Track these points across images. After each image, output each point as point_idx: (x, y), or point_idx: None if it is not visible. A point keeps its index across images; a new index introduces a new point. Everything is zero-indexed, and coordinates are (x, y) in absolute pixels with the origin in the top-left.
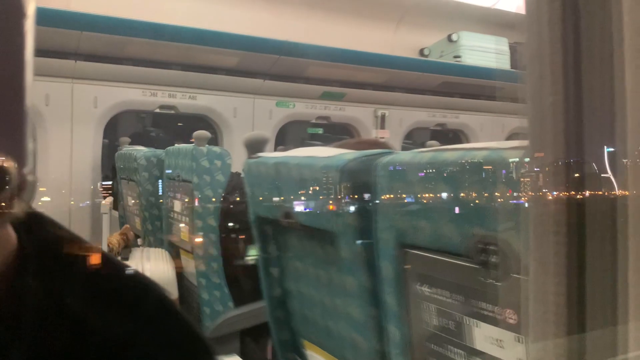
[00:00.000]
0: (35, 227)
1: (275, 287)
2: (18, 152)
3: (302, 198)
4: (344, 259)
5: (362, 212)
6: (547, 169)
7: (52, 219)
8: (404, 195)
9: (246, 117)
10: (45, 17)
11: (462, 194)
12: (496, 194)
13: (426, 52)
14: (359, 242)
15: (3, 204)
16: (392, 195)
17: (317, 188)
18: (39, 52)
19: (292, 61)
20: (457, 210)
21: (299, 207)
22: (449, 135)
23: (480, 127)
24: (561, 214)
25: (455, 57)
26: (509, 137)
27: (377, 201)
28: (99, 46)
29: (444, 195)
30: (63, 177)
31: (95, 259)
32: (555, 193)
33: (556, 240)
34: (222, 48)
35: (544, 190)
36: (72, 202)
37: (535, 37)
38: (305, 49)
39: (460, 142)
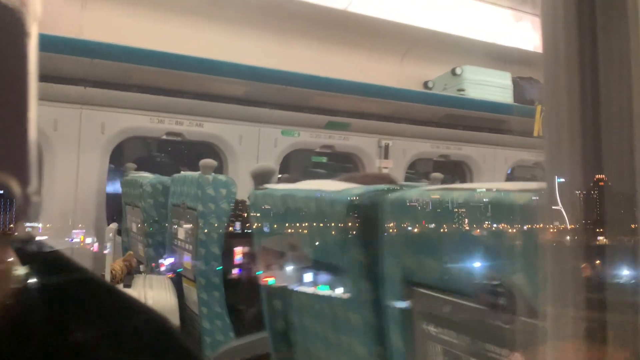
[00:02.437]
0: (37, 253)
1: (278, 320)
2: (22, 173)
3: (308, 231)
4: (349, 295)
5: (369, 247)
6: (565, 203)
7: (54, 248)
8: (411, 233)
9: (251, 145)
10: (57, 44)
11: (470, 234)
12: (504, 235)
13: (430, 84)
14: (365, 278)
15: (7, 224)
16: (399, 232)
17: (324, 222)
18: (50, 78)
19: (298, 91)
20: (464, 250)
21: (304, 240)
22: (452, 166)
23: (483, 159)
24: (581, 252)
25: (459, 90)
26: (512, 170)
27: (384, 237)
28: (108, 73)
29: (452, 234)
30: (68, 201)
31: (96, 288)
32: (573, 230)
33: (575, 281)
34: (230, 77)
35: (562, 228)
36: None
37: (553, 76)
38: (312, 80)
39: (463, 173)
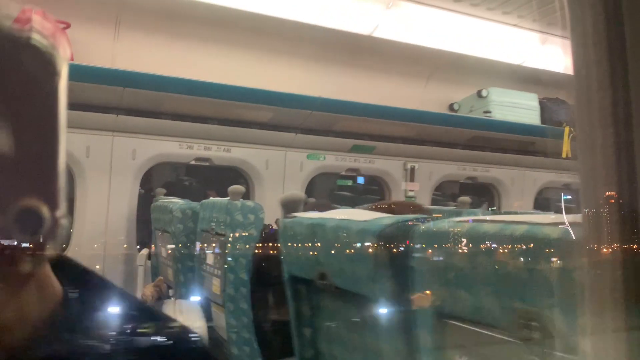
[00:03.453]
0: (73, 273)
1: (307, 348)
2: (51, 198)
3: (338, 261)
4: (379, 325)
5: (399, 278)
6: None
7: (89, 268)
8: (441, 264)
9: (278, 169)
10: (90, 74)
11: (502, 267)
12: (537, 268)
13: (456, 107)
14: (395, 308)
15: (36, 246)
16: (429, 264)
17: (353, 252)
18: (83, 107)
19: (323, 116)
20: (497, 283)
21: (334, 270)
22: (480, 189)
23: (511, 181)
24: (619, 282)
25: (486, 112)
26: (540, 191)
27: (414, 268)
28: (140, 101)
29: (484, 267)
30: (99, 225)
31: (133, 308)
32: (610, 260)
33: (613, 316)
34: (256, 104)
35: (599, 258)
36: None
37: (584, 98)
38: (337, 104)
39: (491, 195)
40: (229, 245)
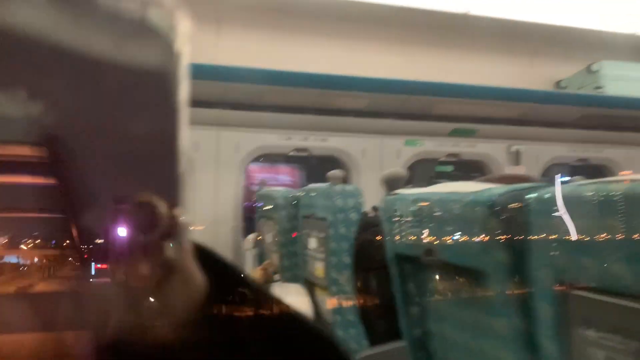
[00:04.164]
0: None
1: (415, 328)
2: (171, 195)
3: (446, 235)
4: (493, 300)
5: (514, 249)
6: None
7: (223, 257)
8: (564, 232)
9: (374, 157)
10: (195, 70)
11: (635, 229)
12: None
13: (563, 84)
14: (510, 281)
15: (164, 239)
16: (550, 232)
17: (463, 224)
18: (191, 103)
19: (421, 100)
20: (630, 247)
21: (441, 245)
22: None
23: (627, 161)
24: None
25: (597, 87)
26: None
27: (532, 237)
28: (241, 95)
29: (614, 231)
30: (209, 216)
31: (261, 294)
32: None
33: None
34: (352, 91)
35: None
36: (216, 240)
37: None
38: (435, 87)
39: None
40: (331, 229)
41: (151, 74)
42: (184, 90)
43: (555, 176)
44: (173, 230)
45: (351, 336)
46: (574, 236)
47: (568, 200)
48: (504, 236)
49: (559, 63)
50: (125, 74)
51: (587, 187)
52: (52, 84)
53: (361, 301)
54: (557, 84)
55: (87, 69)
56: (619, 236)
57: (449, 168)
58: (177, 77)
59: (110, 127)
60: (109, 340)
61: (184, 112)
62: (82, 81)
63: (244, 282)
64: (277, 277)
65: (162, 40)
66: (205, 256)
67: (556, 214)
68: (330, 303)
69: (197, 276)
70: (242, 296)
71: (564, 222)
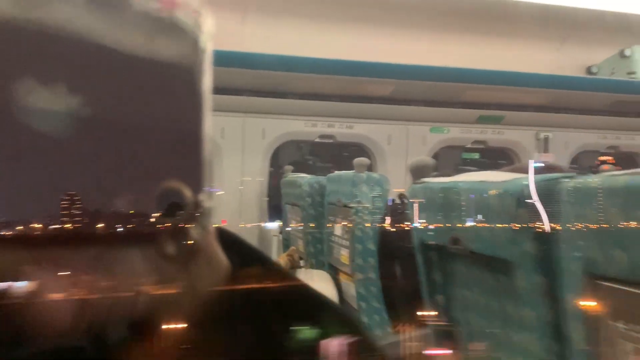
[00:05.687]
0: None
1: (441, 316)
2: (196, 181)
3: (473, 224)
4: (520, 290)
5: (543, 239)
6: None
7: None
8: (593, 223)
9: (400, 144)
10: (221, 58)
11: None
12: None
13: (594, 69)
14: (538, 271)
15: (188, 222)
16: (579, 222)
17: (491, 214)
18: (216, 90)
19: (447, 86)
20: None
21: (469, 234)
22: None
23: None
24: None
25: (630, 73)
26: None
27: (561, 228)
28: (267, 82)
29: None
30: (234, 201)
31: (284, 277)
32: None
33: None
34: (377, 77)
35: None
36: (242, 225)
37: None
38: (462, 73)
39: (638, 167)
40: (356, 216)
41: (178, 68)
42: (207, 82)
43: (529, 161)
44: (197, 214)
45: (376, 322)
46: (606, 228)
47: (600, 193)
48: (532, 226)
49: (590, 48)
50: (154, 68)
51: (618, 179)
52: (88, 78)
53: (386, 288)
54: (588, 69)
55: (120, 64)
56: None
57: (476, 155)
58: (202, 70)
59: (141, 118)
60: (137, 315)
61: (208, 103)
62: (115, 75)
63: (267, 266)
64: (302, 263)
65: (189, 36)
66: (230, 241)
67: (587, 204)
68: (355, 289)
69: (220, 258)
70: (265, 279)
71: (595, 214)
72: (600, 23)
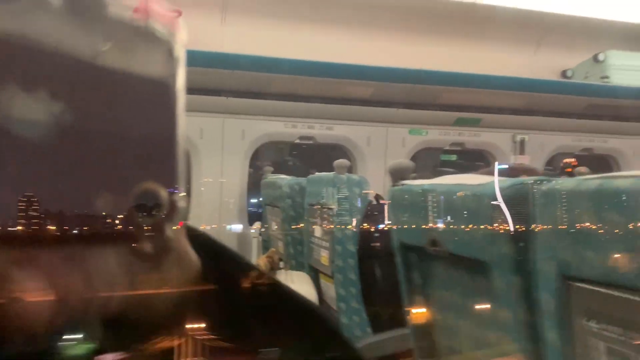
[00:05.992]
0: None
1: (419, 317)
2: (169, 180)
3: (451, 226)
4: (497, 290)
5: (519, 241)
6: None
7: (216, 239)
8: (567, 225)
9: (379, 145)
10: (200, 58)
11: (636, 224)
12: None
13: (569, 73)
14: (514, 273)
15: (162, 223)
16: (553, 225)
17: (468, 216)
18: (195, 90)
19: (425, 89)
20: (630, 241)
21: (447, 235)
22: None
23: (633, 152)
24: None
25: (603, 77)
26: None
27: (536, 230)
28: (247, 83)
29: (615, 225)
30: (214, 201)
31: (257, 277)
32: None
33: None
34: (357, 80)
35: None
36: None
37: None
38: (440, 76)
39: (610, 168)
40: (336, 217)
41: (152, 76)
42: (181, 88)
43: (496, 163)
44: (172, 213)
45: (356, 323)
46: (576, 230)
47: (572, 196)
48: (509, 228)
49: (565, 52)
50: (128, 76)
51: (590, 182)
52: (64, 86)
53: (365, 289)
54: (563, 73)
55: (95, 71)
56: (621, 230)
57: (454, 157)
58: (175, 77)
59: (115, 124)
60: (113, 308)
61: (182, 108)
62: (89, 82)
63: (240, 266)
64: (282, 264)
65: (163, 45)
66: (202, 241)
67: (560, 207)
68: (335, 290)
69: (191, 257)
70: (241, 280)
71: (568, 217)
72: (575, 28)
